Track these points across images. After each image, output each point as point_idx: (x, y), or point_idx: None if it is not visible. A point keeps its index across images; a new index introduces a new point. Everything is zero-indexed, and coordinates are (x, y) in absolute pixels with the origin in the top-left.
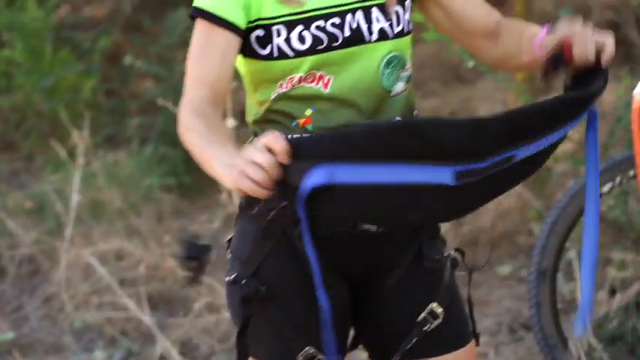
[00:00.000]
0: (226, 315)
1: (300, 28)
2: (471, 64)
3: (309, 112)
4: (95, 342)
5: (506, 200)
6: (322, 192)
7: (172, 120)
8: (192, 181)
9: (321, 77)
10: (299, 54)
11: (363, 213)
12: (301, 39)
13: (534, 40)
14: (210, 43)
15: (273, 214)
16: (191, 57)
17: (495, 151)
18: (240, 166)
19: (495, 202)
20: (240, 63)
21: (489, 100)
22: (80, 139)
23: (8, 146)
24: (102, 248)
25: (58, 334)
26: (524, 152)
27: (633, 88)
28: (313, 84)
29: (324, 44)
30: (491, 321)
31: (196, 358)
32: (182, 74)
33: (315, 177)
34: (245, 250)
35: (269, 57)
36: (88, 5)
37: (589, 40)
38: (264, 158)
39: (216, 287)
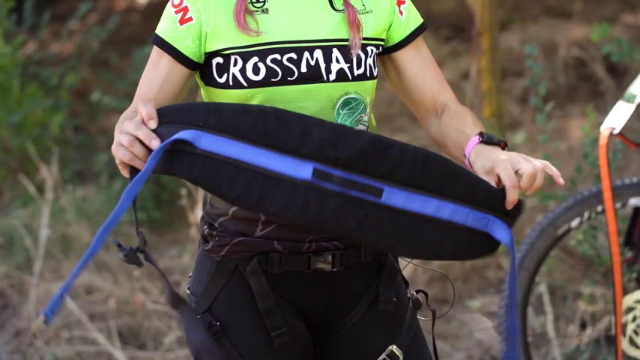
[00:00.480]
0: None
1: (255, 59)
2: None
3: None
4: None
5: None
6: (187, 156)
7: None
8: (162, 216)
9: None
10: (252, 85)
11: (223, 186)
12: (256, 70)
13: (467, 142)
14: (156, 67)
15: (226, 250)
16: (141, 78)
17: (357, 166)
18: (118, 138)
19: None
20: (202, 91)
21: None
22: (49, 174)
23: None
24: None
25: None
26: (394, 197)
27: (600, 124)
28: None
29: (279, 77)
30: (462, 355)
31: None
32: None
33: (180, 134)
34: (200, 285)
35: (225, 85)
36: (55, 42)
37: (511, 173)
38: (132, 126)
39: None
